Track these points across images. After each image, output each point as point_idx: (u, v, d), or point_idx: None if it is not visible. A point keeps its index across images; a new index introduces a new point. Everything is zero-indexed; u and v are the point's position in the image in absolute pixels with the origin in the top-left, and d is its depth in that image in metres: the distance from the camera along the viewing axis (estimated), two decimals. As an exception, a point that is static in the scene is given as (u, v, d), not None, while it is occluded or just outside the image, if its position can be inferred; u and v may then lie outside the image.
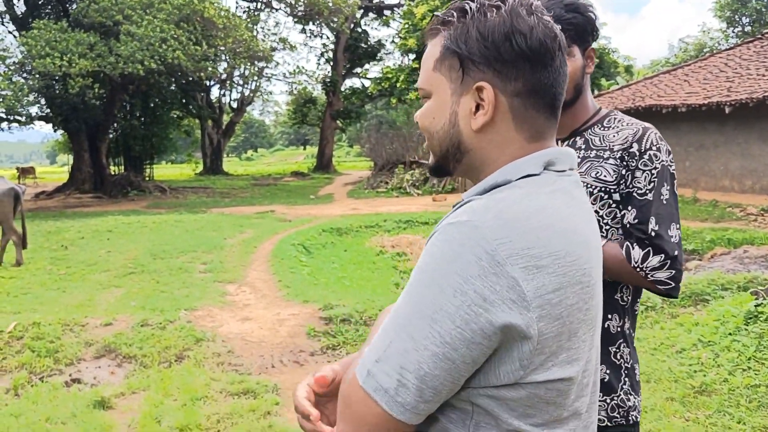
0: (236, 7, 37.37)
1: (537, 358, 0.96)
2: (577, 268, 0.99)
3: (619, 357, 1.78)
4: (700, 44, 43.35)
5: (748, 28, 39.76)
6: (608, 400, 1.76)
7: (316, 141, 53.67)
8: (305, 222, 14.96)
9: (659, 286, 1.71)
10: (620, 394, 1.77)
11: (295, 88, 38.93)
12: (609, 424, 1.76)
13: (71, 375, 5.23)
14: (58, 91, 21.88)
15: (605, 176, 1.77)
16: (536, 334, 0.94)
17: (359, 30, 39.37)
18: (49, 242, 12.25)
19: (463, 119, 1.08)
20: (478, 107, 1.06)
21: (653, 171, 1.74)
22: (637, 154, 1.76)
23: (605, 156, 1.79)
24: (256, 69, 30.66)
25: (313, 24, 36.86)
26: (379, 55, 40.77)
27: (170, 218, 15.81)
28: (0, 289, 8.32)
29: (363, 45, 39.38)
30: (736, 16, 40.55)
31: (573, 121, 1.89)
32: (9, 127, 23.45)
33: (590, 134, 1.86)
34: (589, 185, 1.78)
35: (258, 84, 38.97)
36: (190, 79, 26.45)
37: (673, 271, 1.70)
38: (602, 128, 1.86)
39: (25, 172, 37.08)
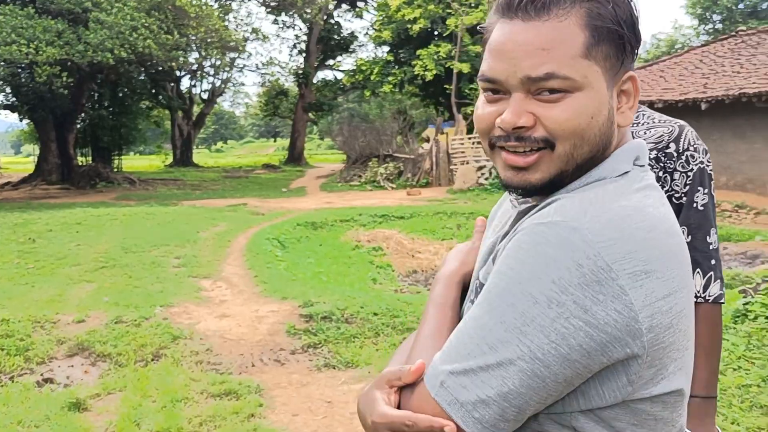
0: (208, -4, 36.81)
1: (646, 372, 0.86)
2: (683, 270, 0.89)
3: None
4: (672, 41, 44.00)
5: (719, 26, 40.43)
6: None
7: (286, 133, 53.33)
8: (279, 215, 14.78)
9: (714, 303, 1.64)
10: None
11: (268, 80, 38.55)
12: None
13: (43, 374, 5.05)
14: (24, 80, 21.34)
15: None
16: (645, 346, 0.84)
17: (332, 21, 39.08)
18: (16, 235, 11.89)
19: (616, 116, 0.96)
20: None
21: (689, 173, 1.65)
22: (675, 155, 1.66)
23: None
24: (228, 59, 30.27)
25: (286, 15, 36.52)
26: (352, 47, 40.55)
27: (141, 211, 15.51)
28: (-35, 283, 8.04)
29: (336, 37, 39.12)
30: (708, 14, 41.22)
31: None
32: (-27, 116, 22.82)
33: None
34: None
35: (230, 75, 38.51)
36: (161, 68, 25.97)
37: (718, 281, 1.62)
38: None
39: (-12, 162, 36.17)
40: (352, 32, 40.30)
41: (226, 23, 27.91)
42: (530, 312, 0.82)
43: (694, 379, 1.04)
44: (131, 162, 40.11)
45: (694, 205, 1.64)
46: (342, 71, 39.82)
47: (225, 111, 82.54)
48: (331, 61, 41.26)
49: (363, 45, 41.29)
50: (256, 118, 69.38)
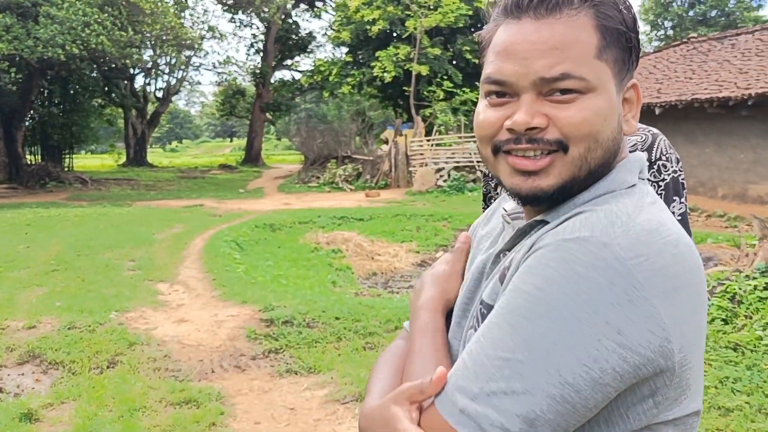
0: (163, -7, 36.16)
1: (672, 393, 0.82)
2: (704, 285, 0.87)
3: None
4: (625, 46, 44.96)
5: (670, 32, 41.46)
6: None
7: (243, 133, 52.78)
8: (236, 217, 14.60)
9: None
10: None
11: (225, 79, 38.08)
12: None
13: (-9, 384, 4.84)
14: (-31, 75, 20.62)
15: None
16: (675, 367, 0.80)
17: (290, 21, 38.80)
18: (-39, 236, 11.46)
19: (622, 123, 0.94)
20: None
21: (661, 183, 1.62)
22: (647, 164, 1.64)
23: None
24: (184, 57, 29.79)
25: (243, 13, 36.14)
26: (310, 47, 40.35)
27: (93, 211, 15.13)
28: None
29: (294, 36, 38.84)
30: (659, 20, 42.24)
31: None
32: None
33: None
34: None
35: (185, 73, 37.92)
36: (114, 66, 25.45)
37: None
38: None
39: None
40: (311, 32, 40.16)
41: (182, 20, 27.49)
42: (559, 333, 0.77)
43: None
44: (83, 161, 39.21)
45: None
46: (300, 71, 39.63)
47: (180, 110, 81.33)
48: (288, 61, 41.00)
49: (321, 45, 41.24)
50: (212, 117, 68.54)
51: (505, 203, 1.07)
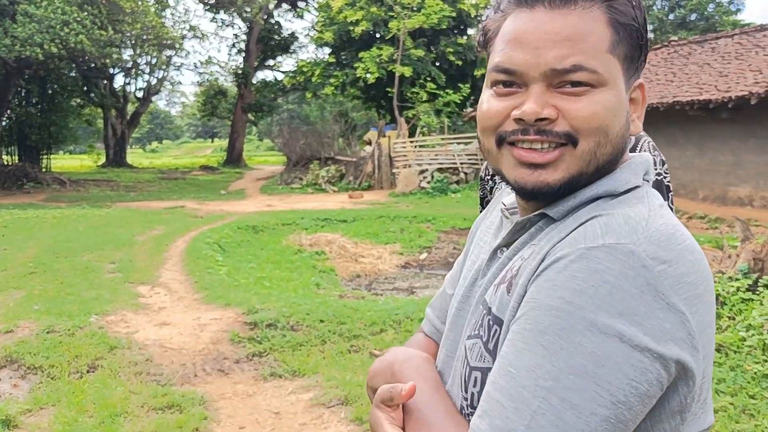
0: (143, -8, 35.85)
1: (695, 405, 0.79)
2: (714, 295, 0.83)
3: None
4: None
5: (651, 35, 41.81)
6: None
7: (224, 134, 52.48)
8: (218, 218, 14.47)
9: None
10: None
11: (206, 79, 37.82)
12: None
13: (-32, 389, 4.73)
14: (-55, 74, 20.33)
15: None
16: (700, 378, 0.77)
17: (272, 21, 38.64)
18: (-64, 238, 11.25)
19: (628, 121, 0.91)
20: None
21: None
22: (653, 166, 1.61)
23: None
24: (165, 57, 29.55)
25: (225, 13, 35.93)
26: (292, 47, 40.20)
27: (72, 213, 14.93)
28: None
29: (276, 37, 38.69)
30: (639, 24, 42.61)
31: None
32: None
33: None
34: None
35: (166, 73, 37.62)
36: (94, 65, 25.20)
37: None
38: None
39: None
40: (293, 33, 39.95)
41: (163, 20, 27.29)
42: (602, 350, 0.72)
43: None
44: (61, 162, 38.73)
45: None
46: (282, 72, 39.42)
47: (161, 110, 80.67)
48: (271, 62, 40.82)
49: (304, 46, 41.09)
50: (193, 118, 68.11)
51: (504, 197, 1.03)
